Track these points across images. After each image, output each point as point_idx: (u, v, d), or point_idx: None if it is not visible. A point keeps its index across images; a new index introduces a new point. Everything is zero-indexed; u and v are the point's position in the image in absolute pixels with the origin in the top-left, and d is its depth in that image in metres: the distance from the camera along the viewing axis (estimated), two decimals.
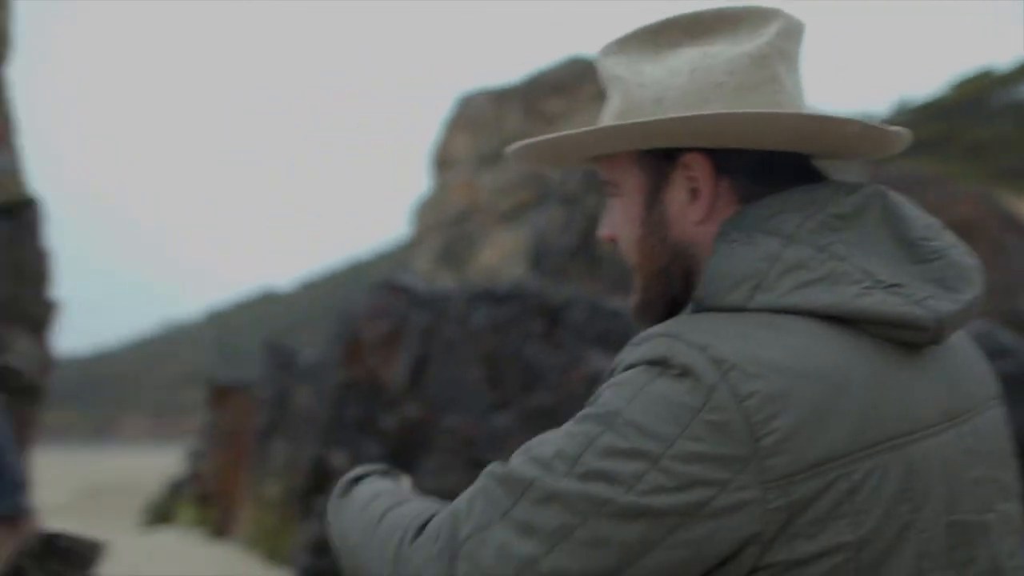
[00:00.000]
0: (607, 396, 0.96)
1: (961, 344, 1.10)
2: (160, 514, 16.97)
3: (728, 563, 0.91)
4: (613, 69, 1.12)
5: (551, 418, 5.00)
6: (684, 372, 0.92)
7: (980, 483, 1.01)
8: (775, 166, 1.07)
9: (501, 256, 28.87)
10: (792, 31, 1.08)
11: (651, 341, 0.97)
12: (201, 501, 15.84)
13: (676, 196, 1.09)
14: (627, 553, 0.90)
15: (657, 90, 1.08)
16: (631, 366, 0.97)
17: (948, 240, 1.07)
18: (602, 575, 0.90)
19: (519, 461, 0.97)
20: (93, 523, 18.23)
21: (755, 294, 0.99)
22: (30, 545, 3.29)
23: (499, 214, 30.50)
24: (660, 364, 0.94)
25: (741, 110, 1.03)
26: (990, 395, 1.10)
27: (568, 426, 0.97)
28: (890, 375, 0.96)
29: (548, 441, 0.96)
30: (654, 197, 1.11)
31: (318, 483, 8.61)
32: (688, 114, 1.03)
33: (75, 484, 27.09)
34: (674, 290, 1.12)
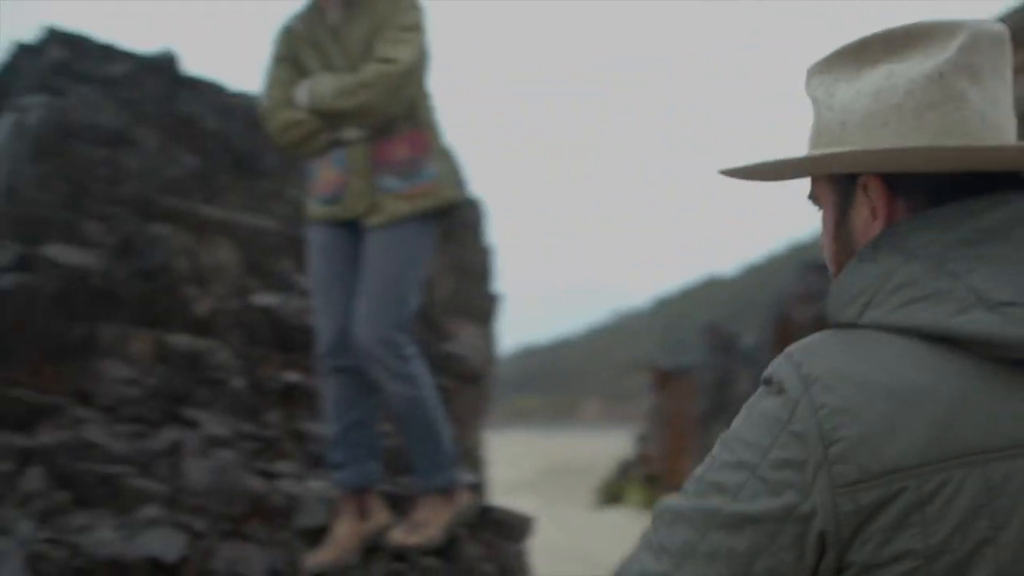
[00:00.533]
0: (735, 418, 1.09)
1: None
2: (611, 494, 17.78)
3: (819, 565, 0.99)
4: (813, 91, 1.20)
5: None
6: (780, 389, 1.03)
7: None
8: (956, 183, 1.09)
9: None
10: (978, 44, 1.09)
11: (774, 361, 1.08)
12: (648, 482, 16.35)
13: (860, 214, 1.16)
14: (740, 563, 0.99)
15: (843, 114, 1.14)
16: (759, 386, 1.08)
17: None
18: None
19: None
20: (550, 500, 19.59)
21: (866, 310, 1.06)
22: (466, 516, 3.59)
23: None
24: (767, 383, 1.06)
25: (913, 134, 1.08)
26: None
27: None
28: (981, 393, 0.98)
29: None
30: (843, 215, 1.18)
31: None
32: (839, 151, 1.11)
33: (536, 463, 29.24)
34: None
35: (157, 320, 4.98)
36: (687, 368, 19.93)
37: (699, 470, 1.06)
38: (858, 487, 0.96)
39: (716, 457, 1.05)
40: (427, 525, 3.39)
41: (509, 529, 3.97)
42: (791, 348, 1.08)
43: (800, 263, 10.72)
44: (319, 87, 3.31)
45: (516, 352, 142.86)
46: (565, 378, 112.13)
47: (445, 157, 3.48)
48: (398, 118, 3.35)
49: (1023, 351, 0.97)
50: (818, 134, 1.18)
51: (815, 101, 1.19)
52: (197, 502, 3.70)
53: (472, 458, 5.43)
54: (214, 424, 4.20)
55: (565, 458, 30.42)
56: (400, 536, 3.37)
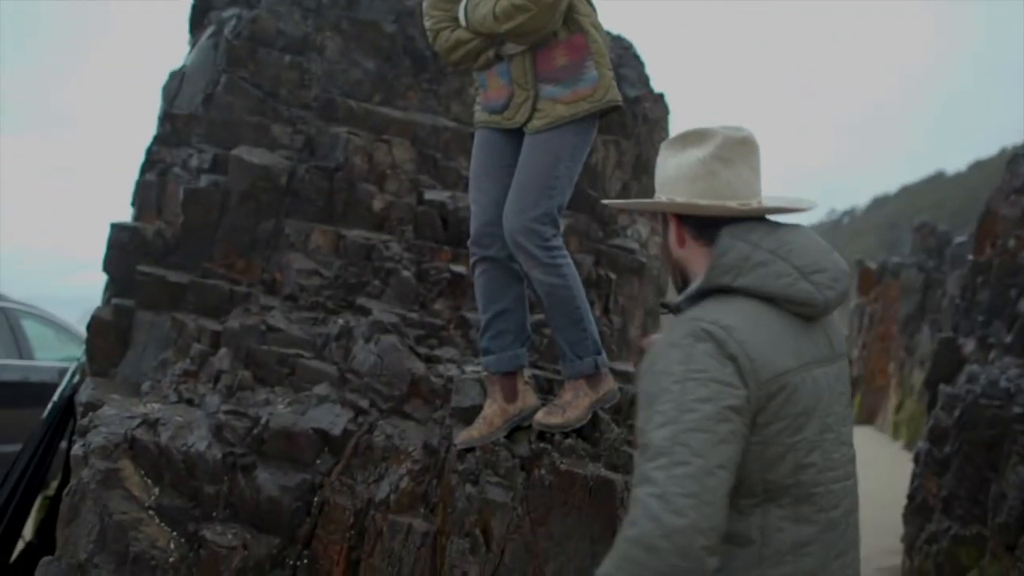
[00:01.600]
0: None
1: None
2: None
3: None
4: (659, 158, 2.17)
5: None
6: (710, 335, 1.87)
7: (837, 394, 2.02)
8: (714, 223, 2.06)
9: None
10: (729, 143, 2.04)
11: (690, 325, 1.91)
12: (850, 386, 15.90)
13: (671, 238, 2.16)
14: (714, 403, 1.83)
15: (665, 175, 2.13)
16: (680, 336, 1.91)
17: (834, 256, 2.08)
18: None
19: None
20: None
21: (737, 278, 1.96)
22: (608, 400, 3.69)
23: None
24: (695, 337, 1.87)
25: (690, 196, 2.05)
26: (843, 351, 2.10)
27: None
28: (794, 331, 1.97)
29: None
30: (666, 236, 2.19)
31: (945, 372, 8.13)
32: (652, 201, 2.14)
33: None
34: (679, 282, 2.19)
35: (336, 216, 5.29)
36: (894, 268, 19.05)
37: (654, 418, 1.82)
38: (768, 383, 1.86)
39: (669, 397, 1.80)
40: (569, 407, 3.53)
41: None
42: (698, 314, 1.93)
43: (1016, 155, 9.91)
44: (477, 12, 3.38)
45: None
46: None
47: (603, 59, 3.50)
48: (556, 28, 3.40)
49: (820, 310, 1.98)
50: (658, 186, 2.14)
51: (658, 165, 2.15)
52: (362, 382, 3.99)
53: (631, 347, 5.51)
54: (383, 311, 4.47)
55: None
56: (543, 417, 3.52)
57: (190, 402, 4.04)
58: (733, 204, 2.01)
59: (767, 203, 2.05)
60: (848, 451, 2.03)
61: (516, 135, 3.54)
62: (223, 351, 4.29)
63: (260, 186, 5.20)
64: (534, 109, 3.43)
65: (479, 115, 3.64)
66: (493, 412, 3.58)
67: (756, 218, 2.05)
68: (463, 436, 3.55)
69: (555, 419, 3.51)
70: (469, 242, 3.59)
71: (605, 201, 2.32)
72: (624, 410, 4.05)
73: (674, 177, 2.06)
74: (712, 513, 1.67)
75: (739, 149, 2.03)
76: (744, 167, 2.03)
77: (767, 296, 1.93)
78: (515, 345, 3.60)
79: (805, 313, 1.96)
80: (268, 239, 5.14)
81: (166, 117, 6.01)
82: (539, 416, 3.54)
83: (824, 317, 2.03)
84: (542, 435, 3.54)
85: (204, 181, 5.27)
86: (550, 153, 3.42)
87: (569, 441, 3.52)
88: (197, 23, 6.87)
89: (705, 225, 2.04)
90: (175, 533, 3.47)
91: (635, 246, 5.82)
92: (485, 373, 3.67)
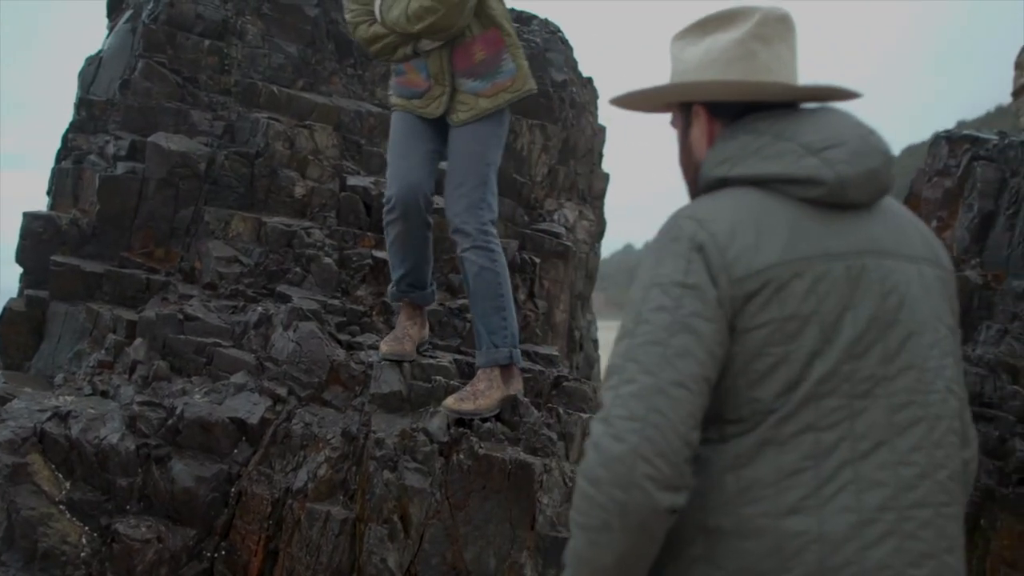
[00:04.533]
0: None
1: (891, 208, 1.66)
2: None
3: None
4: (672, 51, 1.78)
5: None
6: (684, 232, 1.56)
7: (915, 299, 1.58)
8: (748, 110, 1.67)
9: None
10: (768, 21, 1.69)
11: (667, 222, 1.61)
12: None
13: (695, 132, 1.75)
14: (686, 305, 1.51)
15: (686, 64, 1.74)
16: (658, 236, 1.62)
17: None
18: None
19: None
20: None
21: (732, 168, 1.62)
22: (518, 394, 3.72)
23: None
24: (668, 233, 1.58)
25: (725, 78, 1.67)
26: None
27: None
28: (806, 220, 1.56)
29: None
30: (686, 133, 1.77)
31: None
32: (680, 82, 1.73)
33: None
34: (699, 189, 1.71)
35: (257, 203, 5.21)
36: None
37: (618, 333, 1.56)
38: (745, 280, 1.50)
39: (631, 308, 1.54)
40: (482, 396, 3.54)
41: (579, 399, 4.07)
42: (681, 209, 1.62)
43: (937, 137, 10.03)
44: (391, 13, 3.54)
45: None
46: None
47: (517, 50, 3.72)
48: (469, 24, 3.55)
49: (833, 190, 1.56)
50: (677, 78, 1.75)
51: (673, 58, 1.77)
52: (281, 370, 3.94)
53: (556, 331, 5.52)
54: (304, 299, 4.42)
55: None
56: (454, 403, 3.52)
57: (104, 394, 3.96)
58: (777, 84, 1.67)
59: (806, 87, 1.70)
60: (935, 380, 1.55)
61: (433, 123, 3.71)
62: (139, 341, 4.21)
63: (179, 173, 5.10)
64: (452, 102, 3.62)
65: (395, 99, 3.81)
66: (408, 333, 3.89)
67: (786, 106, 1.69)
68: (386, 348, 3.81)
69: (467, 405, 3.53)
70: (390, 194, 3.67)
71: (612, 99, 1.83)
72: (544, 393, 4.06)
73: (702, 63, 1.71)
74: (660, 437, 1.39)
75: (778, 27, 1.70)
76: (783, 48, 1.71)
77: (764, 181, 1.58)
78: (428, 286, 3.91)
79: (814, 196, 1.56)
80: (187, 227, 5.05)
81: (82, 103, 5.87)
82: (450, 402, 3.55)
83: (872, 203, 1.61)
84: (460, 420, 3.53)
85: (121, 168, 5.15)
86: (480, 143, 3.63)
87: (488, 425, 3.52)
88: (115, 7, 6.71)
89: (741, 115, 1.69)
90: (87, 528, 3.40)
91: (561, 230, 5.83)
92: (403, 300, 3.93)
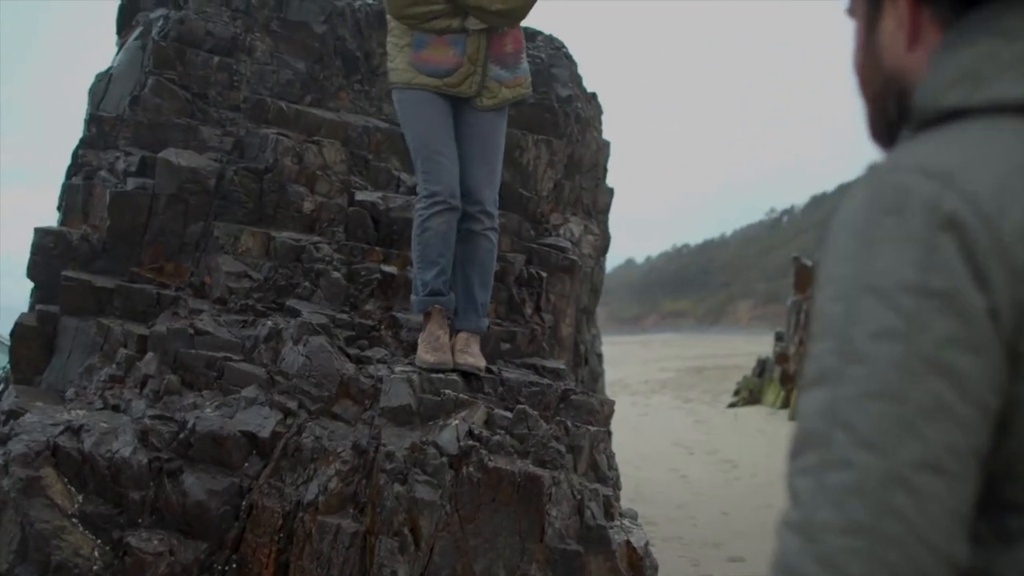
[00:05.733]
0: None
1: None
2: (750, 393, 17.66)
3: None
4: None
5: None
6: (905, 195, 0.92)
7: None
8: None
9: None
10: None
11: (869, 180, 0.95)
12: (784, 381, 16.15)
13: (887, 26, 1.10)
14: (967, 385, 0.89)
15: None
16: (858, 206, 0.97)
17: None
18: None
19: None
20: (687, 396, 19.64)
21: (976, 90, 0.96)
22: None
23: None
24: (877, 202, 0.93)
25: None
26: None
27: None
28: None
29: None
30: (872, 26, 1.12)
31: None
32: None
33: (681, 364, 29.25)
34: (889, 116, 1.11)
35: (266, 218, 5.25)
36: None
37: (809, 365, 0.90)
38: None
39: (828, 325, 0.89)
40: (480, 356, 4.01)
41: (587, 412, 4.10)
42: (895, 160, 0.94)
43: None
44: None
45: (669, 253, 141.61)
46: (718, 280, 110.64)
47: (525, 54, 3.95)
48: None
49: None
50: None
51: None
52: (291, 384, 3.97)
53: (563, 345, 5.55)
54: (313, 313, 4.45)
55: (712, 359, 30.32)
56: (475, 360, 3.95)
57: (116, 408, 3.99)
58: None
59: None
60: None
61: (455, 103, 3.92)
62: (150, 355, 4.24)
63: (188, 189, 5.14)
64: (482, 86, 3.85)
65: (415, 76, 3.89)
66: (447, 342, 4.00)
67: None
68: (426, 359, 3.94)
69: (481, 362, 3.96)
70: (438, 189, 3.79)
71: None
72: (552, 407, 4.09)
73: None
74: (904, 560, 0.81)
75: None
76: None
77: None
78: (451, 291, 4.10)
79: None
80: (197, 242, 5.08)
81: (92, 119, 5.92)
82: (469, 360, 3.90)
83: None
84: (471, 432, 3.56)
85: (131, 184, 5.19)
86: (500, 133, 3.98)
87: (497, 438, 3.55)
88: (125, 24, 6.78)
89: (969, 5, 1.03)
90: (99, 541, 3.42)
91: (567, 244, 5.87)
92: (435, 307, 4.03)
